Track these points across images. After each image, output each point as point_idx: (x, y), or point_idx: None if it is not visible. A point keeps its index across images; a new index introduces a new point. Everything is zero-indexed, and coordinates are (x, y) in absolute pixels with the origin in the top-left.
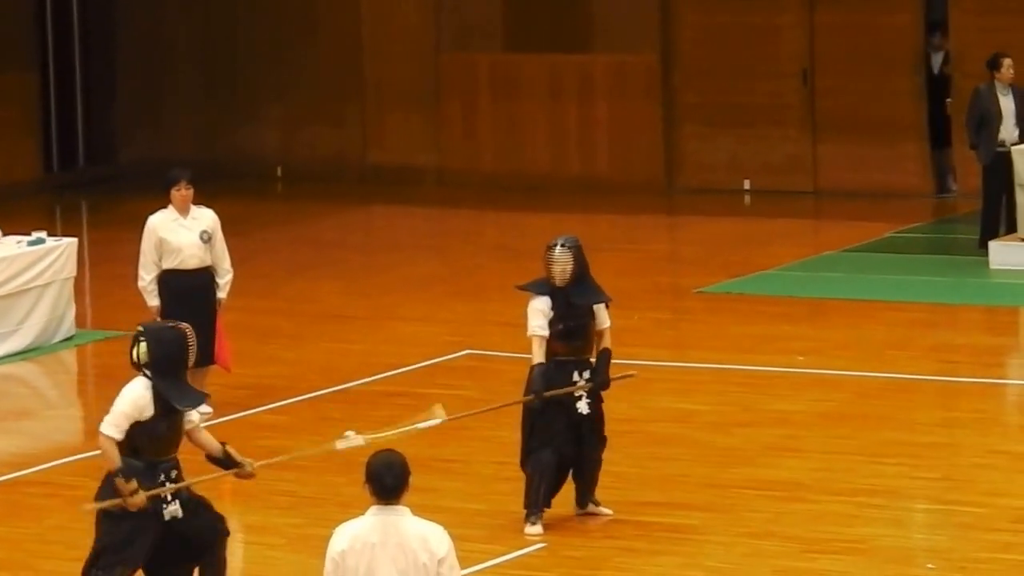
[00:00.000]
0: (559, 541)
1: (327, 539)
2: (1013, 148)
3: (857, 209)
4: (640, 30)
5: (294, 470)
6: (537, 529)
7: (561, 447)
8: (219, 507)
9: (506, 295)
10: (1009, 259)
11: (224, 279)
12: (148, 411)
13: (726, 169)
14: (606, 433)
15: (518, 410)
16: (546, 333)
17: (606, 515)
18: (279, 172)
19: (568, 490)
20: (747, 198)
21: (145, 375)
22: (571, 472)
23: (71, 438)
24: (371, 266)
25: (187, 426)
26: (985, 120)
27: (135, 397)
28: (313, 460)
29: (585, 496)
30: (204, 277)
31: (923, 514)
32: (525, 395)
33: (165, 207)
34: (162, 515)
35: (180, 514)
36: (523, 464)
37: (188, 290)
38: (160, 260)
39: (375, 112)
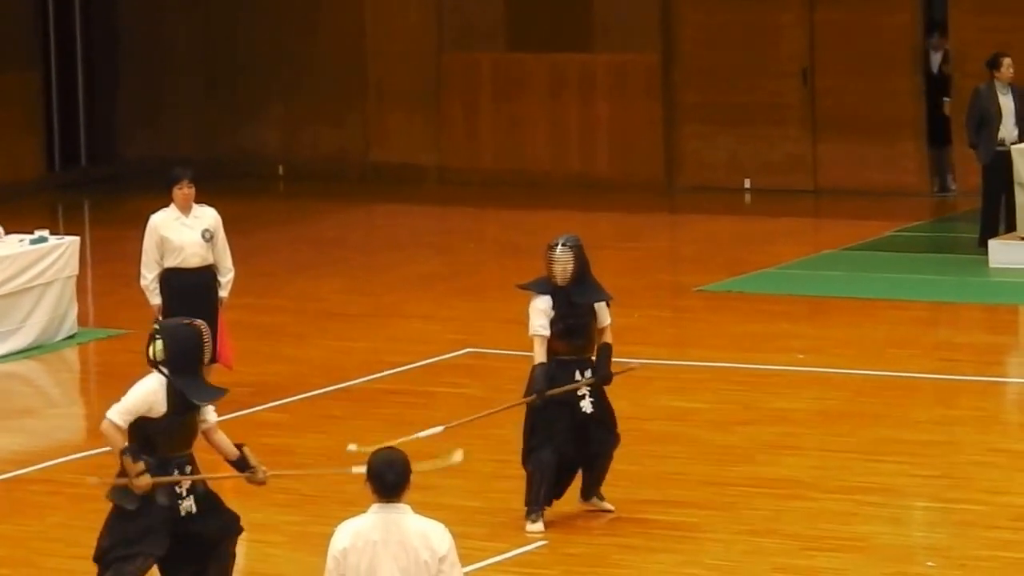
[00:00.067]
0: (560, 538)
1: (328, 537)
2: (1013, 147)
3: (857, 208)
4: (641, 30)
5: (294, 468)
6: (538, 527)
7: (562, 446)
8: None
9: (507, 293)
10: (1009, 258)
11: (226, 278)
12: (159, 408)
13: (726, 168)
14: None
15: (520, 408)
16: (547, 332)
17: (608, 511)
18: (281, 171)
19: (569, 487)
20: (747, 197)
21: (161, 372)
22: (580, 468)
23: (73, 436)
24: (372, 265)
25: (203, 426)
26: (985, 119)
27: (146, 392)
28: (313, 457)
29: (591, 490)
30: (206, 276)
31: (922, 512)
32: (526, 395)
33: (167, 206)
34: (178, 510)
35: (195, 509)
36: (524, 462)
37: (190, 289)
38: (162, 259)
39: (377, 111)
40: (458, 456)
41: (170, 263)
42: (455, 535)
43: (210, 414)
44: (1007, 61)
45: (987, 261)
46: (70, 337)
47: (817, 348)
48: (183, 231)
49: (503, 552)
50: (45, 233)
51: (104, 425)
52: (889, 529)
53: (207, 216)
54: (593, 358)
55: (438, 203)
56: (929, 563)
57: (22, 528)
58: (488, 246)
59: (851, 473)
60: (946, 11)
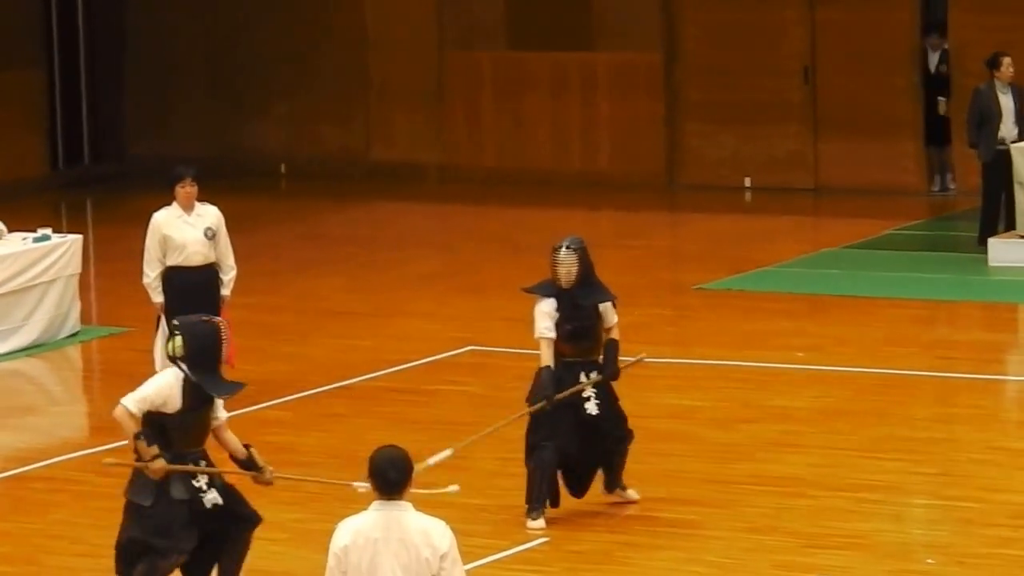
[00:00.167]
0: (561, 535)
1: (329, 534)
2: (1013, 146)
3: (857, 206)
4: (643, 28)
5: (297, 466)
6: (539, 523)
7: (564, 446)
8: None
9: (509, 291)
10: (1008, 256)
11: (228, 276)
12: (175, 403)
13: (727, 166)
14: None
15: (521, 404)
16: (553, 335)
17: (633, 500)
18: (284, 169)
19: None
20: (748, 195)
21: (180, 368)
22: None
23: (76, 434)
24: (375, 263)
25: (214, 423)
26: (985, 118)
27: (162, 385)
28: (315, 455)
29: (613, 483)
30: (208, 274)
31: (922, 509)
32: (530, 398)
33: (170, 204)
34: (201, 503)
35: (220, 500)
36: (526, 459)
37: (192, 287)
38: (164, 257)
39: (379, 109)
40: (453, 487)
41: (172, 261)
42: (456, 532)
43: (221, 411)
44: (1007, 60)
45: (986, 259)
46: (73, 335)
47: (817, 346)
48: (186, 229)
49: (505, 549)
50: (48, 231)
51: (118, 410)
52: (889, 526)
53: (209, 214)
54: (599, 360)
55: (440, 201)
56: (929, 560)
57: (25, 526)
58: (490, 244)
59: (851, 471)
60: (946, 10)
